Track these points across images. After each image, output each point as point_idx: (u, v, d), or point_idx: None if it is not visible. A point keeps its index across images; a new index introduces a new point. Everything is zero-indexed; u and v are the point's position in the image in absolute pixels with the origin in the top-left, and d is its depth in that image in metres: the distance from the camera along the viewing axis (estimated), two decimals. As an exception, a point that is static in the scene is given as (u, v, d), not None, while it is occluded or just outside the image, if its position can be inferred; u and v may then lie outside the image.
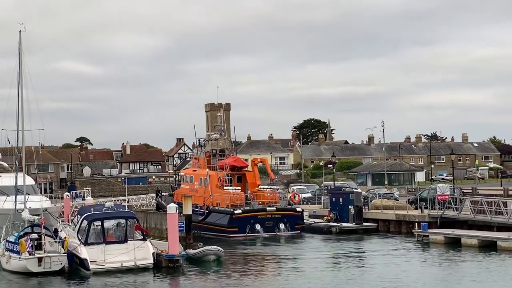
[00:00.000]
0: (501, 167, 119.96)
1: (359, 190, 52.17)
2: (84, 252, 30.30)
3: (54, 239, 31.18)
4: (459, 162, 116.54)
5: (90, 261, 29.95)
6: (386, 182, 78.24)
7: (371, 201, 49.32)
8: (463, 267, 30.45)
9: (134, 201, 65.23)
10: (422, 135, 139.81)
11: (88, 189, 68.43)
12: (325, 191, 56.81)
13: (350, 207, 44.98)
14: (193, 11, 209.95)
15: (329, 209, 47.23)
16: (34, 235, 30.75)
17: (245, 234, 43.29)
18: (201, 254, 33.06)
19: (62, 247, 30.56)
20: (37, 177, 46.45)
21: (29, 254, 29.76)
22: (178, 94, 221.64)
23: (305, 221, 46.17)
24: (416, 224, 40.50)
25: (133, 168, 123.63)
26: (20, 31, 34.57)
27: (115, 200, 55.34)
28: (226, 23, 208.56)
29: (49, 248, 30.64)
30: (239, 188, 47.04)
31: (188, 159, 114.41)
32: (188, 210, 39.23)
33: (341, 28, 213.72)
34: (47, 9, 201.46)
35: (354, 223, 44.51)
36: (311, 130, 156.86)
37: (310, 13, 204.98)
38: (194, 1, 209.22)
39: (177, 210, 32.51)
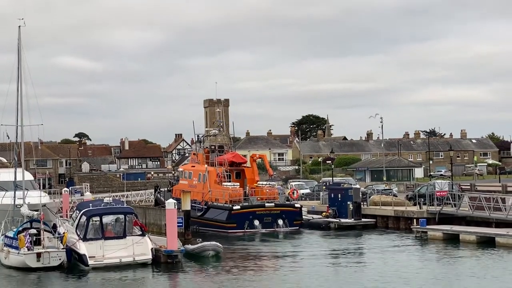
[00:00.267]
0: (500, 163, 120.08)
1: (357, 186, 52.19)
2: (83, 248, 30.31)
3: (53, 235, 31.18)
4: (457, 158, 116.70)
5: (89, 257, 29.95)
6: (384, 178, 78.25)
7: (369, 197, 49.37)
8: (461, 263, 30.50)
9: (133, 197, 65.24)
10: (421, 131, 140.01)
11: (87, 185, 68.50)
12: (324, 187, 56.83)
13: (348, 203, 45.00)
14: (192, 6, 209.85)
15: (327, 205, 47.25)
16: (33, 231, 30.75)
17: (243, 230, 43.32)
18: (199, 249, 33.09)
19: (61, 242, 30.55)
20: (36, 172, 46.43)
21: (28, 250, 29.76)
22: (177, 90, 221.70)
23: (303, 217, 46.20)
24: (415, 220, 40.54)
25: (132, 164, 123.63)
26: (19, 26, 34.53)
27: (113, 196, 55.36)
28: (225, 19, 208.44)
29: (47, 244, 30.64)
30: (238, 184, 47.04)
31: (187, 154, 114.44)
32: (186, 205, 39.25)
33: (340, 24, 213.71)
34: (46, 4, 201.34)
35: (352, 219, 44.54)
36: (310, 126, 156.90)
37: (309, 9, 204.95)
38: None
39: (176, 206, 32.53)
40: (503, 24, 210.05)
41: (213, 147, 51.48)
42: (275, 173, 75.68)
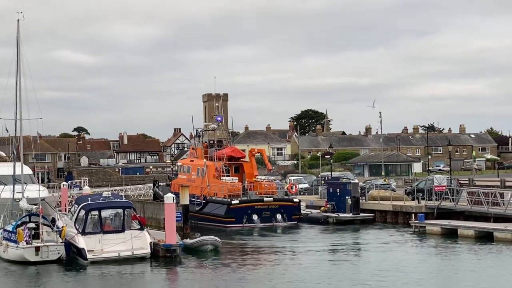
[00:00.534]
0: (498, 158, 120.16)
1: (356, 181, 52.23)
2: (81, 242, 30.33)
3: (52, 229, 31.21)
4: (456, 153, 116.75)
5: (88, 251, 29.98)
6: (383, 173, 78.31)
7: (368, 192, 49.41)
8: (460, 258, 30.54)
9: (131, 191, 65.26)
10: (420, 126, 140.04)
11: (86, 179, 68.53)
12: (322, 182, 56.87)
13: (347, 197, 45.04)
14: (191, 1, 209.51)
15: (326, 200, 47.29)
16: (32, 225, 30.78)
17: (242, 224, 43.36)
18: (198, 244, 33.13)
19: (60, 236, 30.58)
20: (35, 166, 46.38)
21: (27, 243, 29.78)
22: (176, 84, 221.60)
23: (302, 211, 46.25)
24: (413, 215, 40.60)
25: (131, 158, 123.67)
26: (18, 20, 34.48)
27: (112, 190, 55.37)
28: (224, 13, 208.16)
29: (46, 238, 30.67)
30: (237, 178, 47.06)
31: (186, 149, 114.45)
32: (185, 200, 39.27)
33: (339, 18, 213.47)
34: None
35: (351, 214, 44.59)
36: (309, 121, 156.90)
37: (308, 3, 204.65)
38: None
39: (175, 200, 32.56)
40: (502, 18, 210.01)
41: (212, 141, 51.48)
42: (273, 167, 75.72)
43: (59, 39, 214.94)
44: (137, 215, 33.02)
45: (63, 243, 30.44)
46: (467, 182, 54.00)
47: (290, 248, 34.76)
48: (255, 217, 43.96)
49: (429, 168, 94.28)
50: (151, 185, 62.89)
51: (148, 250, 30.69)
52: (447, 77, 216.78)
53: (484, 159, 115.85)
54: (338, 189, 46.43)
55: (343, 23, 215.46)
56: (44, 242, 30.21)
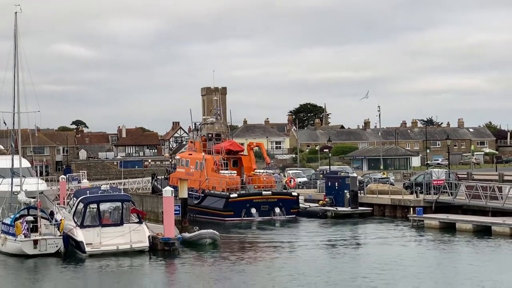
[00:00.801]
0: (497, 152, 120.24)
1: (354, 174, 52.24)
2: (80, 235, 30.33)
3: (50, 222, 31.19)
4: (454, 147, 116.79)
5: (86, 244, 29.98)
6: (381, 167, 78.34)
7: (366, 185, 49.42)
8: (458, 252, 30.59)
9: (130, 185, 65.23)
10: (418, 120, 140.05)
11: (84, 172, 68.39)
12: (321, 176, 56.89)
13: (345, 191, 45.05)
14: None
15: (324, 194, 47.29)
16: (30, 218, 30.75)
17: (240, 218, 43.38)
18: (196, 237, 33.13)
19: (58, 229, 30.57)
20: (33, 159, 46.32)
21: (25, 237, 29.78)
22: (175, 78, 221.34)
23: (300, 205, 46.27)
24: (411, 208, 40.63)
25: (129, 152, 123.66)
26: (16, 12, 34.37)
27: (111, 183, 55.34)
28: (223, 7, 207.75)
29: (44, 231, 30.65)
30: (235, 172, 47.05)
31: (184, 142, 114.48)
32: (184, 193, 39.25)
33: (338, 12, 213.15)
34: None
35: (349, 208, 44.61)
36: (307, 115, 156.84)
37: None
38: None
39: (173, 194, 32.54)
40: (501, 12, 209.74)
41: (210, 135, 51.44)
42: (272, 161, 75.71)
43: (58, 33, 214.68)
44: (135, 209, 33.01)
45: (62, 236, 30.43)
46: (466, 176, 54.05)
47: (288, 241, 34.78)
48: (253, 210, 43.97)
49: (428, 162, 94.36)
50: (150, 178, 62.88)
51: (146, 244, 30.69)
52: (445, 71, 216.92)
53: (483, 153, 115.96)
54: (336, 183, 46.43)
55: (342, 17, 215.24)
56: (42, 235, 30.19)
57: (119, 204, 31.79)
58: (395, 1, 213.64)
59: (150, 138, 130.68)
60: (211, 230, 33.82)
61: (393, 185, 52.43)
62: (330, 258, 29.55)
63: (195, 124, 55.49)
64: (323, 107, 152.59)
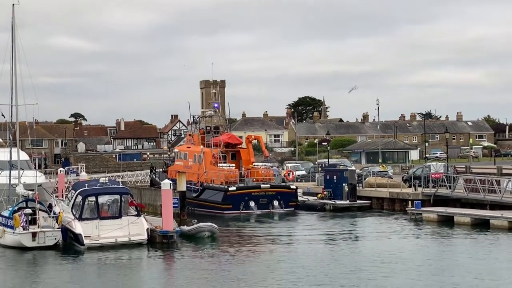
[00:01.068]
0: (495, 145, 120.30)
1: (353, 168, 52.24)
2: (78, 227, 30.34)
3: (49, 214, 31.19)
4: (453, 140, 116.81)
5: (85, 236, 30.00)
6: (380, 160, 78.35)
7: (365, 179, 49.44)
8: (457, 245, 30.62)
9: (129, 177, 65.20)
10: (417, 113, 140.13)
11: (83, 165, 68.31)
12: (319, 169, 56.87)
13: (344, 184, 45.06)
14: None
15: (323, 187, 47.31)
16: (28, 210, 30.75)
17: (239, 211, 43.38)
18: (195, 230, 33.14)
19: (56, 222, 30.57)
20: (31, 152, 46.33)
21: (23, 229, 29.77)
22: (174, 71, 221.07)
23: (299, 198, 46.27)
24: (410, 202, 40.66)
25: (128, 145, 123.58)
26: (13, 4, 34.22)
27: (109, 176, 55.31)
28: (222, 0, 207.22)
29: (43, 223, 30.66)
30: (234, 165, 47.03)
31: (183, 135, 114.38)
32: (182, 186, 39.23)
33: (336, 6, 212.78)
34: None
35: (348, 201, 44.63)
36: (306, 108, 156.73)
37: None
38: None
39: (172, 187, 32.53)
40: (501, 6, 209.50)
41: (208, 128, 51.41)
42: (270, 154, 75.67)
43: (57, 25, 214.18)
44: (134, 201, 33.01)
45: (60, 229, 30.43)
46: (464, 169, 54.07)
47: (287, 234, 34.81)
48: (252, 203, 43.97)
49: (426, 155, 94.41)
50: (148, 171, 62.85)
51: (145, 237, 30.71)
52: (444, 65, 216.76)
53: (481, 146, 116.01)
54: (335, 176, 46.43)
55: (341, 11, 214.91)
56: (40, 227, 30.20)
57: (117, 197, 31.81)
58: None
59: (149, 131, 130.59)
60: (209, 223, 33.82)
61: (392, 178, 52.44)
62: (329, 251, 29.57)
63: (193, 117, 55.45)
64: (322, 100, 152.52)
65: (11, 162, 35.60)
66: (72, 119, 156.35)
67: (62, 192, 44.23)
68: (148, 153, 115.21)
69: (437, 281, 22.59)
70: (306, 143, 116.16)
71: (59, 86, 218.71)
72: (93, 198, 31.50)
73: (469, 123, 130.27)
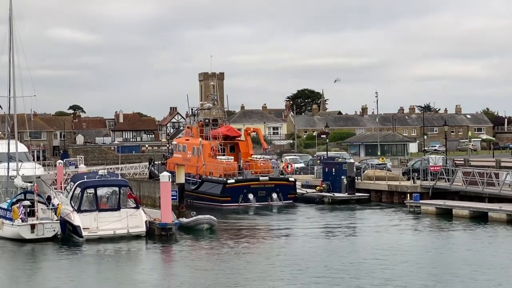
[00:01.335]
0: (494, 138, 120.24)
1: (351, 160, 52.24)
2: (77, 219, 30.34)
3: (47, 206, 31.17)
4: (452, 133, 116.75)
5: (83, 228, 30.01)
6: (379, 153, 78.34)
7: (363, 171, 49.44)
8: (455, 238, 30.67)
9: (127, 170, 65.21)
10: (416, 106, 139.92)
11: (81, 157, 68.25)
12: (318, 161, 56.86)
13: (342, 177, 45.06)
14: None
15: (321, 179, 47.32)
16: (27, 202, 30.75)
17: (237, 204, 43.39)
18: (194, 222, 33.14)
19: (55, 214, 30.57)
20: (30, 144, 46.26)
21: (22, 221, 29.77)
22: (172, 63, 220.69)
23: (297, 191, 46.28)
24: (408, 195, 40.69)
25: (126, 137, 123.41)
26: (11, -5, 34.10)
27: (108, 168, 55.31)
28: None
29: (42, 215, 30.64)
30: (232, 157, 47.01)
31: (182, 128, 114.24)
32: (181, 179, 39.23)
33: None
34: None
35: (346, 194, 44.64)
36: (305, 101, 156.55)
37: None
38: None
39: (170, 179, 32.51)
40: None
41: (207, 120, 51.34)
42: (269, 147, 75.69)
43: (55, 17, 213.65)
44: (133, 194, 33.00)
45: (59, 221, 30.44)
46: (463, 162, 54.09)
47: (286, 227, 34.85)
48: (250, 196, 43.99)
49: (425, 148, 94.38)
50: (147, 163, 62.84)
51: (143, 229, 30.71)
52: (443, 57, 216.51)
53: (480, 139, 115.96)
54: (333, 169, 46.44)
55: (339, 3, 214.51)
56: (39, 219, 30.19)
57: (116, 189, 31.80)
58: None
59: (148, 123, 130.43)
60: (208, 216, 33.81)
61: (390, 171, 52.45)
62: (328, 243, 29.60)
63: (192, 109, 55.34)
64: (321, 93, 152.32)
65: (10, 154, 35.56)
66: (71, 111, 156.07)
67: (61, 184, 44.23)
68: (146, 146, 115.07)
69: (435, 273, 22.63)
70: (305, 136, 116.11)
71: (57, 78, 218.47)
72: (91, 190, 31.49)
73: (468, 116, 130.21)
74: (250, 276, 22.60)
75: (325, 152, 65.39)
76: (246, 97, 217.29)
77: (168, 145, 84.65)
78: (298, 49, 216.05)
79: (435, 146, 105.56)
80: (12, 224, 30.01)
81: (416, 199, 38.90)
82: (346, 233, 32.49)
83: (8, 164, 35.07)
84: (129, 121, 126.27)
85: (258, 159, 47.41)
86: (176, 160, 49.32)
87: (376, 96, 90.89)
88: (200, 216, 33.49)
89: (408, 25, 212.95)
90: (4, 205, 31.75)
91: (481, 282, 21.43)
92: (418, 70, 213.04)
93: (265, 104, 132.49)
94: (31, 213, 30.47)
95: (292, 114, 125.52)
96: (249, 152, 48.33)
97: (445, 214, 36.32)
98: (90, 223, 30.54)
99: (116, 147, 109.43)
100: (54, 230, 30.07)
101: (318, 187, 46.78)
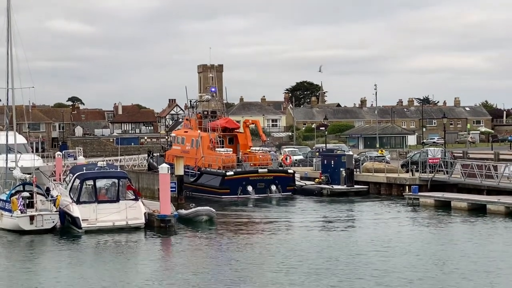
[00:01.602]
0: (492, 131, 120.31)
1: (350, 153, 52.27)
2: (76, 211, 30.36)
3: (46, 198, 31.19)
4: (450, 126, 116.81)
5: (82, 220, 30.03)
6: (377, 145, 78.37)
7: (362, 164, 49.46)
8: (454, 230, 30.73)
9: (126, 161, 65.23)
10: (414, 98, 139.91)
11: (80, 149, 68.35)
12: (317, 154, 56.88)
13: (341, 169, 45.08)
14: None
15: (320, 171, 47.34)
16: (26, 194, 30.76)
17: (236, 196, 43.42)
18: (193, 214, 33.18)
19: (54, 205, 30.59)
20: (29, 136, 46.24)
21: (21, 212, 29.79)
22: (171, 55, 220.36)
23: (296, 183, 46.32)
24: (407, 187, 40.73)
25: (125, 129, 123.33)
26: (8, -14, 34.03)
27: (107, 160, 55.31)
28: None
29: (41, 207, 30.67)
30: (231, 149, 47.01)
31: (180, 120, 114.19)
32: (180, 170, 39.24)
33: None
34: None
35: (345, 186, 44.68)
36: (304, 93, 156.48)
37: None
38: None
39: (169, 171, 32.51)
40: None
41: (206, 112, 51.30)
42: (268, 139, 75.67)
43: (54, 9, 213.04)
44: (132, 186, 33.00)
45: (58, 212, 30.46)
46: (461, 154, 54.12)
47: (285, 219, 34.88)
48: (249, 188, 44.02)
49: (424, 140, 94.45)
50: (146, 155, 62.84)
51: (142, 220, 30.74)
52: (442, 49, 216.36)
53: (479, 132, 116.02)
54: (332, 161, 46.46)
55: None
56: (38, 211, 30.21)
57: (115, 180, 31.80)
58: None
59: (146, 115, 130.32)
60: (207, 207, 33.86)
61: (389, 163, 52.48)
62: (327, 235, 29.63)
63: (190, 101, 55.29)
64: (320, 85, 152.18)
65: (9, 146, 35.54)
66: (70, 103, 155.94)
67: (60, 175, 44.24)
68: (145, 137, 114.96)
69: (434, 265, 22.68)
70: (303, 128, 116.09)
71: (56, 69, 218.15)
72: (91, 182, 31.49)
73: (467, 109, 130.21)
74: (250, 268, 22.64)
75: (324, 144, 65.45)
76: (245, 89, 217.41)
77: (167, 137, 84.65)
78: (297, 41, 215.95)
79: (434, 138, 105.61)
80: (11, 216, 30.03)
81: (415, 191, 38.96)
82: (345, 225, 32.54)
83: (7, 155, 35.07)
84: (128, 113, 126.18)
85: (257, 151, 47.42)
86: (175, 152, 49.31)
87: (375, 89, 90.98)
88: (199, 208, 33.53)
89: (407, 18, 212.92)
90: (3, 197, 31.76)
91: (480, 273, 21.48)
92: (418, 63, 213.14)
93: (264, 96, 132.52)
94: (30, 205, 30.49)
95: (291, 106, 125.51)
96: (248, 144, 48.33)
97: (444, 206, 36.38)
98: (89, 214, 30.56)
99: (115, 139, 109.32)
100: (53, 222, 30.10)
101: (317, 179, 46.81)
